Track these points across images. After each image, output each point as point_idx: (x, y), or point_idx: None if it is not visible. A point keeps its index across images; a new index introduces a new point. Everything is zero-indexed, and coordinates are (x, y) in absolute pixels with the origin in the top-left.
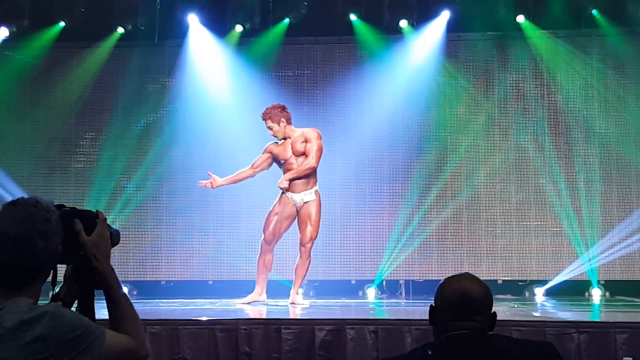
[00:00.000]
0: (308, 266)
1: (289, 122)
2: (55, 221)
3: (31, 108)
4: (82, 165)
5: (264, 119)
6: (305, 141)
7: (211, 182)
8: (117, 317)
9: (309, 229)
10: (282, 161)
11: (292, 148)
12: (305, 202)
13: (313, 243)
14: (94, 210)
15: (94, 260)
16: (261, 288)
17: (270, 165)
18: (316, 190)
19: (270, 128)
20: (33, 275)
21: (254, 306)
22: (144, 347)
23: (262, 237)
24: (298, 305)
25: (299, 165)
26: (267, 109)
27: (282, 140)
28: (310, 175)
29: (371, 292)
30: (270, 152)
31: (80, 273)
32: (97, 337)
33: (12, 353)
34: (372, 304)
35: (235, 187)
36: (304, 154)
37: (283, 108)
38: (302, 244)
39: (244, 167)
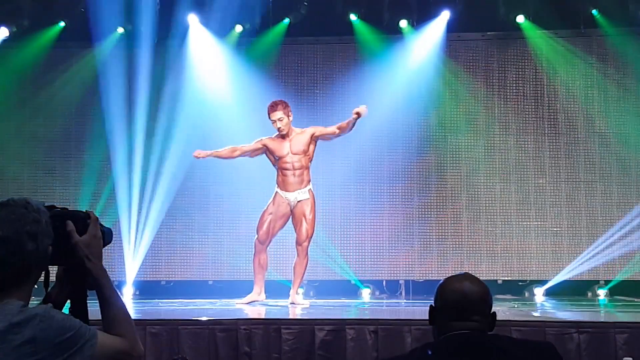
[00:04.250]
0: (306, 265)
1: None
2: (45, 222)
3: (31, 108)
4: (82, 166)
5: (274, 111)
6: (312, 136)
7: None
8: (109, 318)
9: (305, 228)
10: (277, 157)
11: (290, 145)
12: (299, 201)
13: (310, 241)
14: (85, 211)
15: (86, 261)
16: (259, 288)
17: (256, 156)
18: (310, 189)
19: (280, 120)
20: (22, 277)
21: (254, 306)
22: (136, 347)
23: (256, 237)
24: (298, 305)
25: (346, 123)
26: (275, 101)
27: (279, 136)
28: (303, 174)
29: (366, 293)
30: (265, 146)
31: (72, 274)
32: (89, 339)
33: (1, 356)
34: (354, 304)
35: (235, 187)
36: (304, 152)
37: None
38: (298, 243)
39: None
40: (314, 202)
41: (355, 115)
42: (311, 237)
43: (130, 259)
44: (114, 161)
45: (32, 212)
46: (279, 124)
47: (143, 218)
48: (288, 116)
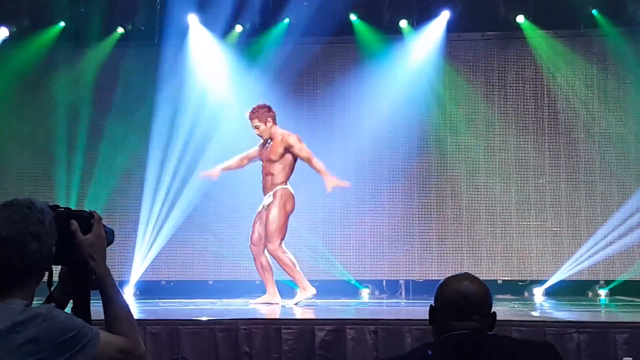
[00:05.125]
0: (287, 262)
1: (274, 121)
2: (49, 222)
3: (31, 108)
4: (82, 165)
5: (251, 119)
6: (286, 148)
7: (211, 176)
8: (111, 317)
9: (268, 232)
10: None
11: (264, 152)
12: (266, 206)
13: (271, 244)
14: (88, 211)
15: (90, 261)
16: (272, 289)
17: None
18: (275, 191)
19: (256, 127)
20: (25, 277)
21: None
22: (138, 347)
23: (250, 242)
24: (293, 301)
25: (318, 166)
26: (253, 108)
27: (270, 141)
28: (272, 180)
29: (365, 293)
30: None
31: (75, 273)
32: (91, 338)
33: (4, 355)
34: (354, 304)
35: (236, 187)
36: (272, 160)
37: (269, 108)
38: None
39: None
40: (280, 204)
41: (326, 180)
42: (273, 240)
43: (139, 260)
44: (114, 161)
45: (36, 212)
46: (257, 131)
47: (153, 219)
48: (265, 122)
